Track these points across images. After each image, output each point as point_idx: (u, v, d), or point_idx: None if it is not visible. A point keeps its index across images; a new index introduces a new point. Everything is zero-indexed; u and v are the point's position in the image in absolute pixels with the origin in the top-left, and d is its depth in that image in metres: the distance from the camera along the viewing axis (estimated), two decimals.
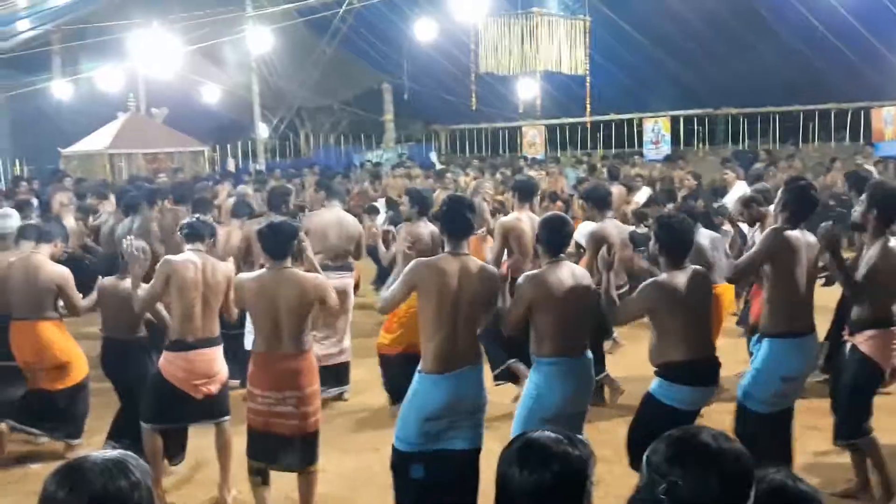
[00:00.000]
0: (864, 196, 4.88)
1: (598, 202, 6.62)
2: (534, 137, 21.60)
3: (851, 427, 4.72)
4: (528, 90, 15.94)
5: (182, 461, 5.47)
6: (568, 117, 20.16)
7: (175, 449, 5.38)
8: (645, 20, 16.03)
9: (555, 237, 4.41)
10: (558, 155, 20.23)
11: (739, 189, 9.48)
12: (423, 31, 16.21)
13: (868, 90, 16.07)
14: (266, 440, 4.68)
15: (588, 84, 14.72)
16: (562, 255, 4.43)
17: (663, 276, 4.32)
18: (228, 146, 22.53)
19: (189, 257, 5.10)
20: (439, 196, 12.63)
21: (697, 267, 4.44)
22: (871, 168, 11.90)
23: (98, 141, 18.62)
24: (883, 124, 16.34)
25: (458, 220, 4.32)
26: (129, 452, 1.90)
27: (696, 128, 19.50)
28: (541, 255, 4.49)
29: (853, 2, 13.45)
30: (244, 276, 4.93)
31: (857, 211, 5.08)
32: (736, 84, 17.62)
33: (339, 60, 20.08)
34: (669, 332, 4.25)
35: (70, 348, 5.93)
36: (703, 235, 6.28)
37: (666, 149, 19.12)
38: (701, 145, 19.31)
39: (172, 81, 18.70)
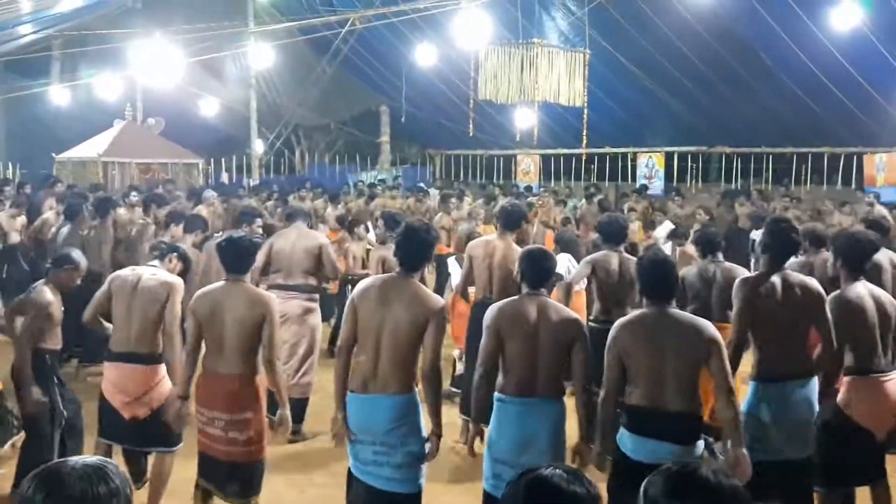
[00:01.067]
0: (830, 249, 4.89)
1: (612, 235, 6.43)
2: (528, 166, 21.69)
3: (827, 478, 4.57)
4: (525, 119, 15.97)
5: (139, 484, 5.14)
6: (563, 148, 20.25)
7: (133, 471, 5.12)
8: (644, 56, 16.16)
9: (535, 270, 4.31)
10: (552, 184, 20.32)
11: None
12: (424, 55, 16.30)
13: (862, 136, 16.22)
14: (203, 460, 4.62)
15: (585, 116, 14.80)
16: (543, 289, 4.30)
17: (630, 316, 4.19)
18: (223, 160, 22.51)
19: (137, 269, 5.18)
20: (441, 220, 12.69)
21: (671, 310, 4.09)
22: (885, 212, 11.91)
23: (92, 148, 18.57)
24: (875, 170, 16.48)
25: (412, 247, 4.27)
26: (109, 459, 1.87)
27: (689, 164, 19.62)
28: (522, 286, 4.37)
29: (852, 50, 13.61)
30: (201, 290, 4.84)
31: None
32: (731, 123, 17.76)
33: (339, 80, 20.15)
34: (630, 374, 4.02)
35: None
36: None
37: (659, 184, 19.24)
38: (694, 182, 19.41)
39: (171, 92, 18.72)
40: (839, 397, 4.55)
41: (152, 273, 5.15)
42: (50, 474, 1.79)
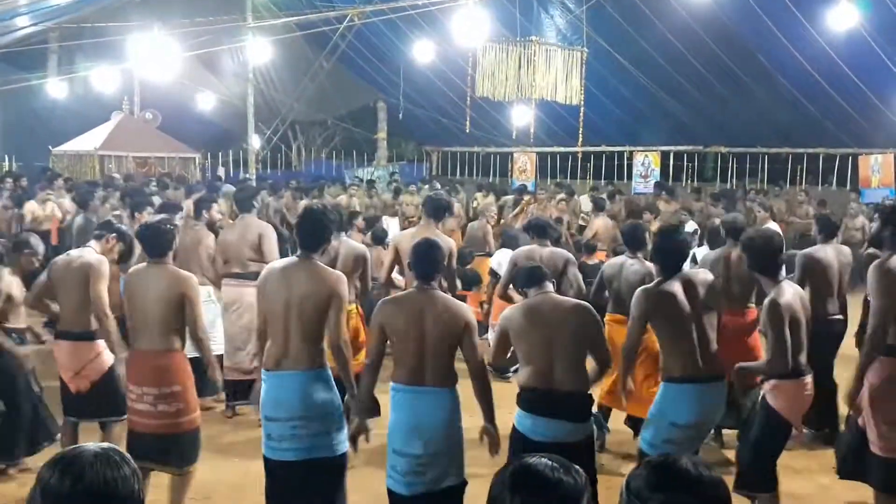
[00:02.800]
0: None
1: (634, 242, 6.54)
2: (524, 164, 21.72)
3: (751, 479, 4.66)
4: (521, 117, 16.00)
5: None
6: (560, 146, 20.28)
7: None
8: (642, 56, 16.20)
9: (421, 263, 4.37)
10: (548, 182, 20.35)
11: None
12: (422, 52, 16.31)
13: (857, 138, 16.27)
14: (134, 436, 4.82)
15: (582, 114, 14.83)
16: (432, 282, 4.36)
17: (520, 302, 4.48)
18: (220, 154, 22.50)
19: (72, 252, 5.51)
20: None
21: (552, 295, 4.45)
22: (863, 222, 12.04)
23: (89, 141, 18.56)
24: (870, 171, 16.53)
25: (310, 229, 4.47)
26: (113, 445, 1.89)
27: (685, 163, 19.66)
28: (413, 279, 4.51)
29: (848, 51, 13.66)
30: (132, 269, 5.16)
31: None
32: (728, 123, 17.81)
33: (336, 76, 20.15)
34: (521, 357, 4.34)
35: None
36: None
37: (654, 182, 19.28)
38: (689, 181, 19.45)
39: (168, 86, 18.70)
40: (772, 400, 4.62)
41: (79, 254, 5.45)
42: (71, 461, 1.80)
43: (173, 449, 4.72)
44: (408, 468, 4.16)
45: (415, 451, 4.14)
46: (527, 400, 4.26)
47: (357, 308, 6.38)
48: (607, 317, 6.27)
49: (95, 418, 5.41)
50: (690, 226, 11.00)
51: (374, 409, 4.61)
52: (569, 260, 6.76)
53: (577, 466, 1.98)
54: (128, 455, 1.86)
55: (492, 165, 22.83)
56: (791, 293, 4.59)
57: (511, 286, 6.44)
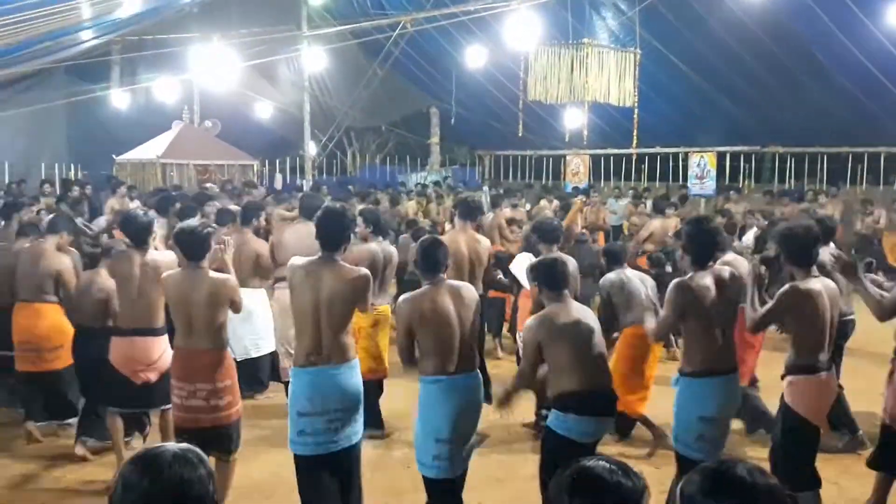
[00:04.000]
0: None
1: (547, 236, 6.58)
2: (577, 166, 21.66)
3: (786, 479, 4.54)
4: (574, 119, 16.01)
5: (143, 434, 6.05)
6: (613, 148, 20.20)
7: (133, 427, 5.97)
8: (695, 55, 16.06)
9: (429, 260, 4.49)
10: (602, 185, 20.30)
11: None
12: (474, 57, 16.42)
13: None
14: (184, 432, 4.91)
15: (636, 116, 14.76)
16: (441, 275, 4.49)
17: (547, 310, 4.46)
18: (277, 161, 22.92)
19: (133, 251, 5.55)
20: (496, 220, 12.85)
21: (575, 304, 4.57)
22: None
23: (151, 150, 19.06)
24: None
25: (331, 229, 4.56)
26: (194, 446, 1.97)
27: (742, 164, 19.40)
28: (421, 278, 4.56)
29: None
30: (166, 273, 5.20)
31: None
32: (785, 122, 17.53)
33: (390, 83, 20.37)
34: (559, 363, 4.36)
35: (67, 330, 6.34)
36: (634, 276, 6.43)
37: (711, 184, 19.08)
38: (746, 182, 19.20)
39: (227, 95, 19.13)
40: (788, 397, 4.58)
41: (152, 259, 5.59)
42: (150, 460, 1.88)
43: (222, 438, 4.95)
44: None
45: (471, 430, 4.47)
46: (580, 402, 4.32)
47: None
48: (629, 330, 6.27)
49: (156, 406, 5.61)
50: (753, 232, 10.79)
51: None
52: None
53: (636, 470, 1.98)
54: (205, 456, 1.93)
55: (544, 168, 22.83)
56: (820, 286, 4.55)
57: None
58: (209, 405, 4.89)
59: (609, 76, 13.83)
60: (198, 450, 1.94)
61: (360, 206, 13.78)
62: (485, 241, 6.89)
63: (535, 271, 4.83)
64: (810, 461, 4.57)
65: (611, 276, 6.43)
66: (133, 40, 19.54)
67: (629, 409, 6.09)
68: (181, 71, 18.26)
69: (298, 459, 4.49)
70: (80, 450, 6.06)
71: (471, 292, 4.56)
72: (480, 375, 4.56)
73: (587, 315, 4.52)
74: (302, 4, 17.54)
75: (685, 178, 19.63)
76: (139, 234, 5.46)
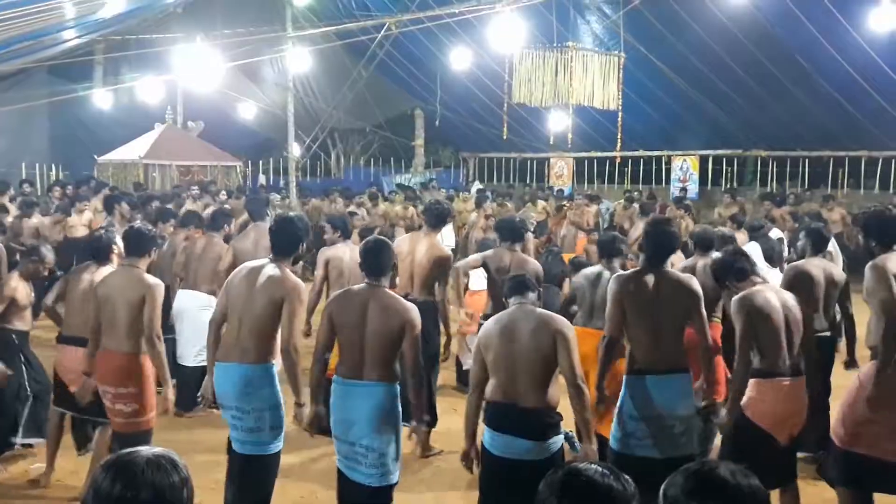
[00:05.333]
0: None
1: (507, 234, 6.60)
2: (561, 169, 21.74)
3: None
4: (558, 122, 16.04)
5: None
6: (597, 151, 20.26)
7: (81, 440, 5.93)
8: (679, 60, 16.13)
9: (371, 262, 4.46)
10: (585, 187, 20.36)
11: None
12: (458, 59, 16.44)
13: None
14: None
15: (619, 119, 14.81)
16: (382, 279, 4.44)
17: (498, 314, 4.36)
18: (261, 162, 22.84)
19: (93, 265, 5.66)
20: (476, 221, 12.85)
21: (528, 306, 4.29)
22: None
23: (134, 150, 18.96)
24: None
25: (281, 236, 4.73)
26: (171, 451, 1.93)
27: (724, 168, 19.51)
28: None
29: (890, 53, 13.51)
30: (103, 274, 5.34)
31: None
32: (767, 126, 17.65)
33: (374, 84, 20.36)
34: (491, 369, 4.22)
35: None
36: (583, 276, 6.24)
37: (693, 187, 19.18)
38: (728, 186, 19.31)
39: (211, 96, 19.04)
40: (743, 400, 4.54)
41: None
42: (123, 466, 1.83)
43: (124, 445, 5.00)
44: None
45: (351, 438, 4.37)
46: (491, 414, 4.21)
47: None
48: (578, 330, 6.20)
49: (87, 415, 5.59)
50: (775, 233, 10.66)
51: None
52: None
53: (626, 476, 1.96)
54: (181, 462, 1.89)
55: (529, 171, 22.88)
56: (769, 292, 4.62)
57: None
58: (114, 408, 4.96)
59: (593, 79, 13.86)
60: (173, 455, 1.90)
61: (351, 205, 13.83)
62: (446, 250, 6.82)
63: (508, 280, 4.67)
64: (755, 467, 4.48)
65: (584, 272, 6.30)
66: (116, 40, 19.44)
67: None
68: (165, 71, 18.17)
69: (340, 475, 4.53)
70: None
71: (400, 307, 4.36)
72: (381, 387, 4.29)
73: (531, 327, 4.18)
74: (286, 5, 17.47)
75: (668, 182, 19.72)
76: (101, 252, 5.63)
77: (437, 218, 6.70)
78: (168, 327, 7.42)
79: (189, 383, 7.05)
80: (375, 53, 17.68)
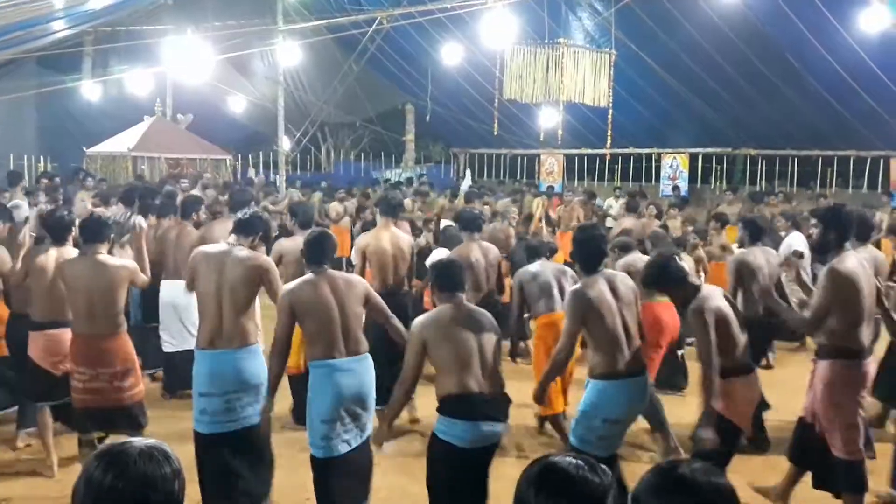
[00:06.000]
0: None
1: (468, 225, 7.05)
2: (552, 166, 21.74)
3: None
4: (549, 119, 16.03)
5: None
6: (587, 148, 20.28)
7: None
8: (670, 57, 16.15)
9: (313, 251, 4.74)
10: (576, 184, 20.38)
11: None
12: (450, 55, 16.41)
13: (889, 140, 16.09)
14: (86, 415, 5.39)
15: (610, 116, 14.82)
16: (324, 265, 4.69)
17: (436, 310, 4.45)
18: (250, 156, 22.76)
19: (51, 246, 5.82)
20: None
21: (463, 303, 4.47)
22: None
23: (122, 142, 18.85)
24: None
25: (246, 221, 5.06)
26: (163, 442, 1.93)
27: (714, 166, 19.57)
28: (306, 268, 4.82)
29: (880, 53, 13.55)
30: (63, 261, 5.52)
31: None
32: (757, 125, 17.70)
33: (365, 79, 20.30)
34: (443, 365, 4.30)
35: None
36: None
37: (683, 185, 19.22)
38: (718, 184, 19.37)
39: (200, 89, 18.95)
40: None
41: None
42: (115, 456, 1.83)
43: (128, 417, 5.35)
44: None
45: (358, 410, 4.65)
46: (459, 405, 4.27)
47: None
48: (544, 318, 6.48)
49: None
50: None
51: None
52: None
53: (603, 466, 1.99)
54: (173, 454, 1.89)
55: (519, 167, 22.89)
56: (712, 290, 4.80)
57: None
58: (112, 386, 5.25)
59: (584, 76, 13.84)
60: (165, 447, 1.90)
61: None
62: (406, 237, 7.08)
63: (432, 270, 4.78)
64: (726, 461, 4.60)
65: (526, 267, 6.69)
66: (106, 31, 19.33)
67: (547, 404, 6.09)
68: (154, 63, 18.08)
69: (199, 437, 4.81)
70: (20, 441, 6.20)
71: (354, 281, 4.78)
72: (370, 360, 4.72)
73: (481, 319, 4.41)
74: None
75: (658, 179, 19.76)
76: (60, 232, 5.78)
77: (391, 208, 7.03)
78: (155, 316, 7.47)
79: (175, 368, 7.29)
80: (366, 48, 17.63)
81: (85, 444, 5.63)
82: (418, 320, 4.42)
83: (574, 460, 1.96)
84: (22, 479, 5.67)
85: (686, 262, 8.82)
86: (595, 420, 4.55)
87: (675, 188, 18.53)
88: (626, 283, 4.75)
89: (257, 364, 4.86)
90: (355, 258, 6.94)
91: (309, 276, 4.68)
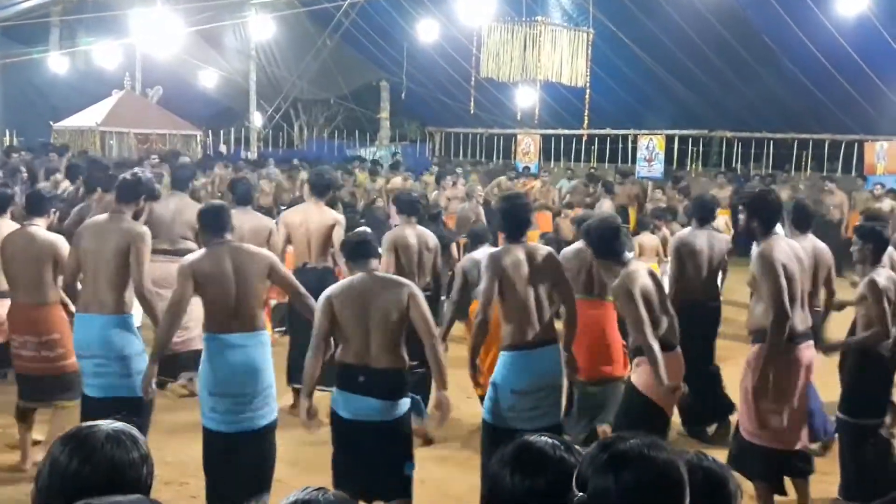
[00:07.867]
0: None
1: (406, 209, 6.81)
2: (528, 146, 21.59)
3: None
4: (526, 98, 15.91)
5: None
6: (564, 128, 20.16)
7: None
8: (648, 38, 16.05)
9: (212, 222, 4.71)
10: (552, 165, 20.28)
11: None
12: (426, 31, 16.19)
13: (863, 124, 16.17)
14: (23, 380, 5.51)
15: (587, 96, 14.70)
16: (227, 235, 4.66)
17: (347, 279, 4.46)
18: (221, 132, 22.41)
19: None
20: (438, 199, 12.72)
21: (379, 274, 4.49)
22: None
23: (90, 117, 18.48)
24: (875, 158, 16.41)
25: (126, 187, 5.17)
26: (131, 426, 1.87)
27: (690, 148, 19.54)
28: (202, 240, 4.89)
29: (856, 37, 13.55)
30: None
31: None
32: (733, 107, 17.68)
33: (339, 54, 20.01)
34: (342, 336, 4.33)
35: None
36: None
37: (659, 167, 19.16)
38: (694, 166, 19.35)
39: (170, 62, 18.59)
40: (635, 378, 4.76)
41: None
42: (82, 440, 1.78)
43: (56, 386, 5.41)
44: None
45: (243, 391, 4.55)
46: (342, 376, 4.34)
47: None
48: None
49: None
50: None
51: None
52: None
53: (576, 447, 1.96)
54: (141, 438, 1.83)
55: (495, 147, 22.71)
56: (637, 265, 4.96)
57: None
58: (39, 355, 5.38)
59: (562, 55, 13.70)
60: (133, 430, 1.83)
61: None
62: (332, 215, 7.01)
63: (343, 246, 4.79)
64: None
65: (470, 254, 6.54)
66: (73, 2, 18.90)
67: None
68: (123, 35, 17.69)
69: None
70: None
71: (258, 255, 4.72)
72: (265, 337, 4.68)
73: (387, 293, 4.30)
74: None
75: (634, 161, 19.69)
76: (2, 205, 6.03)
77: (323, 187, 7.03)
78: None
79: None
80: (341, 22, 17.37)
81: (21, 414, 5.54)
82: (330, 287, 4.46)
83: (550, 440, 1.94)
84: None
85: (650, 241, 8.86)
86: (504, 391, 4.58)
87: (675, 177, 18.40)
88: (547, 258, 4.72)
89: (125, 333, 4.98)
90: (279, 232, 6.97)
91: (212, 247, 4.65)
